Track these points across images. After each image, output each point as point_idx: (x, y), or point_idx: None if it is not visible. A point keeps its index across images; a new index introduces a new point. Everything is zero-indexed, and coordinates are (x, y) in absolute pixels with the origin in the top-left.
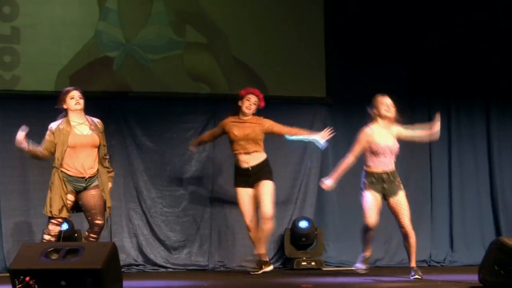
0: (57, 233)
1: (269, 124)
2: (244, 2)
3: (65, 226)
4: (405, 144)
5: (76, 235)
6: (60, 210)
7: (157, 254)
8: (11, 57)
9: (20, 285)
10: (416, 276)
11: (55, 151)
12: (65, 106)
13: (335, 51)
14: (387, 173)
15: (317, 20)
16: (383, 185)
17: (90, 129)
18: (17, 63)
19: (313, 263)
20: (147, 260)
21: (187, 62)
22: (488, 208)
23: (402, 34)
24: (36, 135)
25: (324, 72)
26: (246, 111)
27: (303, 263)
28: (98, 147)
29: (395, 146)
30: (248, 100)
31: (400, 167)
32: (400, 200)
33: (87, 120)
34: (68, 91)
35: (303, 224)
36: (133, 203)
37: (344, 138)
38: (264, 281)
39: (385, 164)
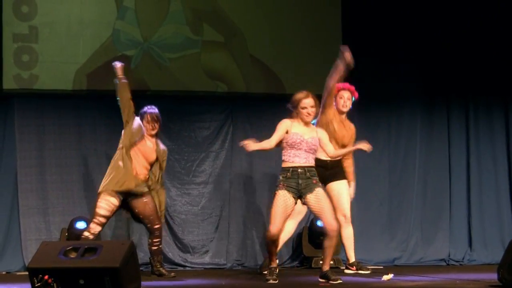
0: (97, 233)
1: None
2: (261, 0)
3: (83, 225)
4: (423, 142)
5: None
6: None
7: (175, 253)
8: (29, 56)
9: (38, 284)
10: (340, 281)
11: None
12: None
13: (352, 49)
14: (303, 168)
15: (335, 18)
16: (298, 180)
17: None
18: (35, 62)
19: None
20: (165, 258)
21: (204, 60)
22: (507, 207)
23: (419, 32)
24: (54, 134)
25: None
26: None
27: (321, 262)
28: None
29: (314, 142)
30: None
31: (418, 166)
32: (319, 195)
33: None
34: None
35: (321, 222)
36: None
37: (362, 137)
38: (282, 280)
39: (301, 158)
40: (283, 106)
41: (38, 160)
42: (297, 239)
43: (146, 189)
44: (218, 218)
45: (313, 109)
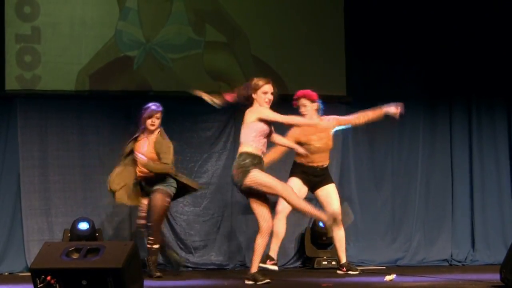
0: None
1: None
2: (263, 1)
3: (86, 226)
4: (426, 143)
5: (97, 234)
6: None
7: (178, 253)
8: (31, 56)
9: (41, 285)
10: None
11: None
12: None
13: (355, 50)
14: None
15: (338, 18)
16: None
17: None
18: (37, 63)
19: (333, 262)
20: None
21: (207, 61)
22: (509, 207)
23: (422, 33)
24: (56, 134)
25: (344, 70)
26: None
27: (323, 262)
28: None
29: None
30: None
31: (421, 167)
32: None
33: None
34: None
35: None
36: None
37: (364, 137)
38: (285, 280)
39: (265, 147)
40: (286, 107)
41: (41, 161)
42: (299, 240)
43: (154, 188)
44: (220, 219)
45: (272, 97)
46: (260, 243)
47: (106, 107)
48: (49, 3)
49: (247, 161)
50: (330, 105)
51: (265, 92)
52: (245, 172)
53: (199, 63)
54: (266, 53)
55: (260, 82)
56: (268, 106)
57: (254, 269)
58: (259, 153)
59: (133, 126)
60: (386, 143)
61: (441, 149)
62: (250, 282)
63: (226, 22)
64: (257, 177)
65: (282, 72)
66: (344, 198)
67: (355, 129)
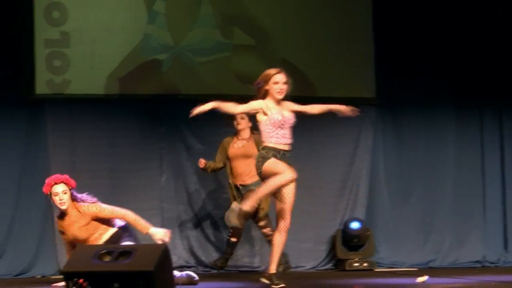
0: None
1: None
2: (291, 3)
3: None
4: (456, 142)
5: None
6: None
7: (209, 256)
8: (61, 61)
9: (73, 287)
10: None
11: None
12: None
13: (384, 52)
14: (288, 152)
15: (366, 20)
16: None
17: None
18: (67, 67)
19: (365, 264)
20: (199, 261)
21: (235, 64)
22: None
23: (451, 37)
24: (86, 138)
25: (373, 73)
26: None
27: (355, 264)
28: None
29: (292, 118)
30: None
31: (453, 168)
32: (293, 188)
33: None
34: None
35: (354, 225)
36: (184, 205)
37: (393, 139)
38: (316, 282)
39: (287, 138)
40: None
41: (71, 164)
42: (330, 242)
43: None
44: (250, 221)
45: (285, 86)
46: (278, 241)
47: (135, 110)
48: (77, 7)
49: (264, 152)
50: (360, 107)
51: (275, 82)
52: (264, 159)
53: (227, 66)
54: (295, 55)
55: (271, 72)
56: (281, 96)
57: (272, 270)
58: (278, 146)
59: (163, 129)
60: (415, 144)
61: (471, 149)
62: (267, 282)
63: (254, 25)
64: (271, 163)
65: (310, 75)
66: (374, 199)
67: (385, 129)
